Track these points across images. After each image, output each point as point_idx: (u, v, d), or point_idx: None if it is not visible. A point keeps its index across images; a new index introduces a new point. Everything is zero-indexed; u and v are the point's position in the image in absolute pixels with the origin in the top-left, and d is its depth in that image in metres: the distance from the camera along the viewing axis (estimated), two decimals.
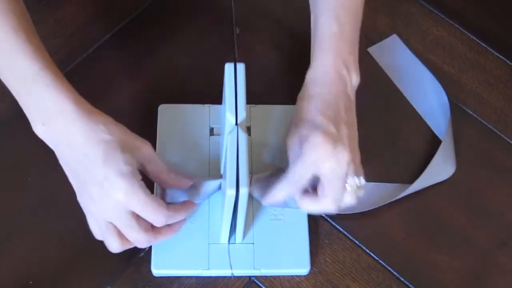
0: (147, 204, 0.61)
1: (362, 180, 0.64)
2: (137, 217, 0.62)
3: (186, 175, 0.67)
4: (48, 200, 0.74)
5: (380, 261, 0.73)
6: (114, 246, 0.64)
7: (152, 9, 0.86)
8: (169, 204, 0.64)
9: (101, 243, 0.72)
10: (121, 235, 0.63)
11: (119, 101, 0.80)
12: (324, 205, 0.64)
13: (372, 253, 0.73)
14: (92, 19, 0.85)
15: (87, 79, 0.81)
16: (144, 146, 0.63)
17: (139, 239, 0.63)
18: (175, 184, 0.66)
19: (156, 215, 0.62)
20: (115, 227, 0.62)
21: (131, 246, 0.65)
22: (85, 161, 0.60)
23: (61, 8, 0.85)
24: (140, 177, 0.61)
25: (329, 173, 0.62)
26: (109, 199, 0.60)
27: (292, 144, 0.65)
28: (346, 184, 0.63)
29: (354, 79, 0.68)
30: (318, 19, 0.69)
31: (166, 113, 0.77)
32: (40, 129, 0.61)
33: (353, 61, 0.68)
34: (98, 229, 0.64)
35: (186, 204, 0.67)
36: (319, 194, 0.63)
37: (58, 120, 0.60)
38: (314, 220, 0.74)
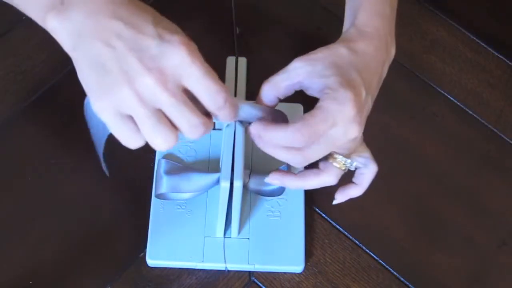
0: (209, 71, 0.50)
1: (354, 164, 0.60)
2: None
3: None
4: (48, 200, 0.74)
5: (380, 261, 0.73)
6: (169, 139, 0.50)
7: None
8: None
9: (101, 243, 0.72)
10: (172, 125, 0.51)
11: None
12: (295, 158, 0.56)
13: (372, 253, 0.73)
14: None
15: None
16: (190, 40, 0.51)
17: (195, 124, 0.51)
18: (217, 86, 0.51)
19: (216, 91, 0.50)
20: (165, 115, 0.50)
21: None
22: (127, 29, 0.48)
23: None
24: None
25: (332, 134, 0.54)
26: (163, 62, 0.48)
27: (307, 70, 0.56)
28: (335, 162, 0.59)
29: (393, 52, 0.61)
30: None
31: None
32: (56, 15, 0.49)
33: (394, 32, 0.61)
34: (132, 131, 0.50)
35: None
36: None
37: None
38: (314, 220, 0.74)
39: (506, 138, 0.81)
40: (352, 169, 0.61)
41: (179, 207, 0.72)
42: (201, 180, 0.69)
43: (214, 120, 0.54)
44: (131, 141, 0.51)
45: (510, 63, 0.86)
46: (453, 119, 0.82)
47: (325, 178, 0.60)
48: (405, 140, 0.80)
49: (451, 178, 0.78)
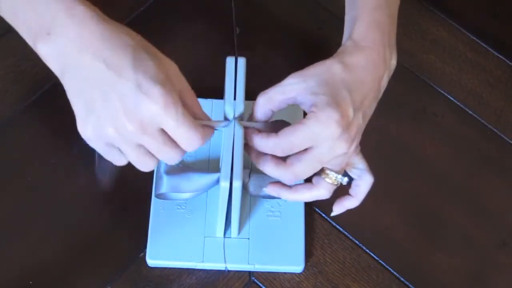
0: (186, 121, 0.52)
1: (345, 180, 0.61)
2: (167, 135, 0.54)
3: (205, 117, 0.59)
4: (48, 200, 0.74)
5: (380, 261, 0.73)
6: (150, 166, 0.55)
7: (152, 9, 0.86)
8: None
9: (101, 243, 0.72)
10: (151, 154, 0.55)
11: None
12: (282, 172, 0.59)
13: (372, 253, 0.73)
14: None
15: None
16: (169, 61, 0.54)
17: (174, 157, 0.55)
18: (198, 113, 0.56)
19: (191, 138, 0.54)
20: (143, 147, 0.54)
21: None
22: (108, 70, 0.50)
23: None
24: (174, 86, 0.53)
25: (318, 153, 0.57)
26: (141, 112, 0.51)
27: (301, 86, 0.58)
28: (327, 177, 0.60)
29: (394, 62, 0.61)
30: None
31: None
32: (45, 44, 0.51)
33: (394, 41, 0.61)
34: (119, 156, 0.55)
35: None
36: (288, 161, 0.59)
37: (69, 25, 0.50)
38: (314, 220, 0.74)
39: (506, 138, 0.81)
40: (344, 183, 0.62)
41: (179, 207, 0.72)
42: (201, 180, 0.69)
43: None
44: (119, 162, 0.56)
45: (510, 63, 0.86)
46: (453, 119, 0.82)
47: (317, 193, 0.62)
48: (405, 140, 0.80)
49: (451, 178, 0.78)
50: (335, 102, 0.56)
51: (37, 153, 0.76)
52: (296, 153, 0.58)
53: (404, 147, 0.80)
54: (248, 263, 0.70)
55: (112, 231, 0.73)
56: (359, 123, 0.58)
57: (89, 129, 0.53)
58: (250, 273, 0.72)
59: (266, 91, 0.59)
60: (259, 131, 0.60)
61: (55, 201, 0.74)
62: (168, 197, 0.71)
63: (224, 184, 0.61)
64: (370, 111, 0.60)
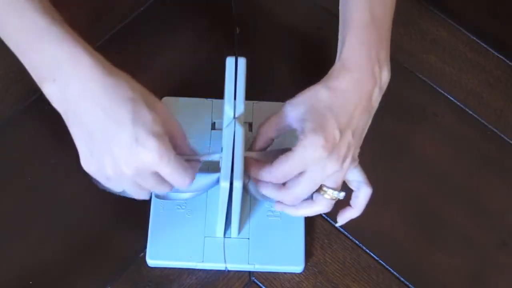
0: (178, 167, 0.57)
1: (342, 194, 0.65)
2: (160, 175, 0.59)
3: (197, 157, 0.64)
4: (48, 200, 0.74)
5: (380, 261, 0.73)
6: (145, 196, 0.62)
7: (152, 9, 0.86)
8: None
9: (101, 243, 0.72)
10: (146, 188, 0.61)
11: None
12: (283, 195, 0.64)
13: (372, 253, 0.73)
14: (92, 19, 0.85)
15: None
16: (161, 104, 0.58)
17: (164, 190, 0.61)
18: (187, 152, 0.61)
19: (183, 180, 0.59)
20: (138, 183, 0.59)
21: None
22: (109, 121, 0.55)
23: (61, 9, 0.85)
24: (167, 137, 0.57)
25: (311, 175, 0.61)
26: (137, 161, 0.56)
27: (292, 114, 0.62)
28: (325, 194, 0.64)
29: (385, 76, 0.64)
30: (348, 4, 0.64)
31: (169, 106, 0.77)
32: (49, 87, 0.55)
33: (385, 56, 0.64)
34: (118, 187, 0.62)
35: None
36: (287, 185, 0.63)
37: (73, 75, 0.54)
38: (314, 220, 0.74)
39: (506, 138, 0.81)
40: (341, 198, 0.65)
41: (179, 207, 0.72)
42: (201, 180, 0.69)
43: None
44: (117, 190, 0.62)
45: (510, 63, 0.86)
46: (453, 119, 0.82)
47: (318, 208, 0.66)
48: (405, 140, 0.80)
49: (451, 178, 0.78)
50: (320, 127, 0.59)
51: (37, 153, 0.76)
52: (293, 177, 0.62)
53: (404, 147, 0.80)
54: (248, 263, 0.70)
55: (112, 231, 0.73)
56: (349, 140, 0.61)
57: (91, 166, 0.58)
58: (250, 273, 0.72)
59: (265, 121, 0.65)
60: (258, 160, 0.65)
61: (55, 201, 0.74)
62: (168, 197, 0.71)
63: (224, 184, 0.61)
64: (362, 127, 0.63)
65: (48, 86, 0.55)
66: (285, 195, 0.64)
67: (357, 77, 0.62)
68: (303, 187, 0.62)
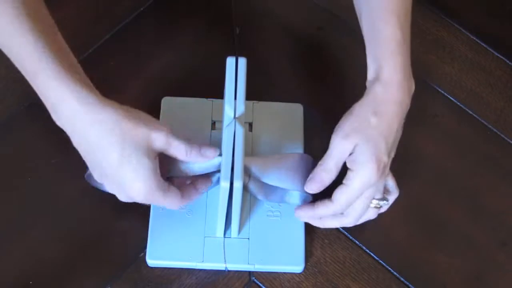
0: (165, 201, 0.63)
1: (385, 202, 0.69)
2: None
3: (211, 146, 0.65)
4: (48, 200, 0.74)
5: (380, 261, 0.73)
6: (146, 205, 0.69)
7: (152, 9, 0.87)
8: (182, 184, 0.67)
9: (101, 243, 0.72)
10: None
11: (119, 100, 0.79)
12: (344, 221, 0.69)
13: (372, 253, 0.73)
14: (92, 19, 0.85)
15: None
16: (159, 137, 0.61)
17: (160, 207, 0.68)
18: (199, 160, 0.64)
19: (171, 206, 0.65)
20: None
21: None
22: (100, 158, 0.60)
23: (61, 9, 0.85)
24: (158, 175, 0.61)
25: (365, 196, 0.66)
26: (128, 195, 0.62)
27: (344, 147, 0.64)
28: (372, 205, 0.68)
29: (413, 88, 0.66)
30: (377, 23, 0.65)
31: (169, 105, 0.77)
32: (52, 114, 0.60)
33: (410, 67, 0.66)
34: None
35: (199, 183, 0.68)
36: (345, 213, 0.68)
37: (64, 111, 0.59)
38: None
39: (506, 138, 0.81)
40: (384, 205, 0.70)
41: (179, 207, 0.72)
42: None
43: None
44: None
45: (510, 63, 0.86)
46: (453, 119, 0.82)
47: (365, 217, 0.70)
48: (405, 140, 0.80)
49: (451, 178, 0.78)
50: (373, 154, 0.63)
51: (37, 153, 0.76)
52: None
53: (404, 147, 0.80)
54: (248, 263, 0.70)
55: (112, 231, 0.73)
56: (391, 157, 0.66)
57: (100, 179, 0.63)
58: (250, 273, 0.72)
59: (320, 167, 0.66)
60: (310, 204, 0.69)
61: (55, 201, 0.74)
62: None
63: (224, 184, 0.61)
64: (399, 138, 0.67)
65: (51, 114, 0.60)
66: (347, 222, 0.69)
67: (400, 100, 0.64)
68: (361, 208, 0.67)
